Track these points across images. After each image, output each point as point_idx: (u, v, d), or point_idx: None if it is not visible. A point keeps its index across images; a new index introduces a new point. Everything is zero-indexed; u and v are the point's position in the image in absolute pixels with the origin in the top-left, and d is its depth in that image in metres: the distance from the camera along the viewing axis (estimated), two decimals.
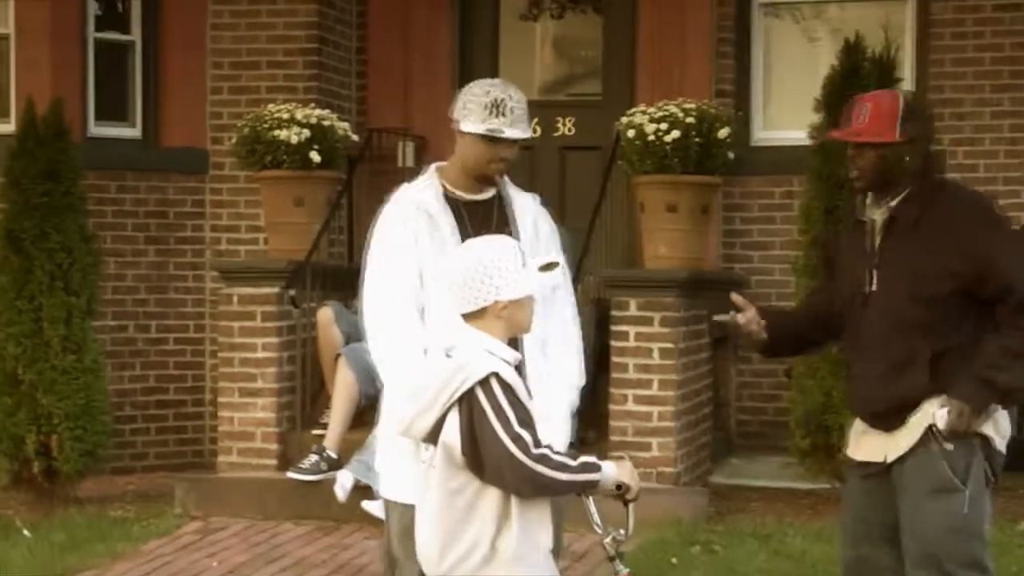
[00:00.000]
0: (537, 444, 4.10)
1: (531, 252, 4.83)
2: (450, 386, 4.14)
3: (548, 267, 4.31)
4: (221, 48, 10.81)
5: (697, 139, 9.36)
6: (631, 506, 4.27)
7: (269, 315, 9.33)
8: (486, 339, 4.20)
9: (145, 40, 10.86)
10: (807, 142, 9.61)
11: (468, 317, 4.23)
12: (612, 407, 8.82)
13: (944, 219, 4.95)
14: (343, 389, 9.15)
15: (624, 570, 4.33)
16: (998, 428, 5.02)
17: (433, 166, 5.18)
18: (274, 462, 9.29)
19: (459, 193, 5.08)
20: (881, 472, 5.09)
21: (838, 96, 8.87)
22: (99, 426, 9.44)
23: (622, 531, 4.30)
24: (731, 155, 9.60)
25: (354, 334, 9.41)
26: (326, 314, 9.50)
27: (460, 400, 4.13)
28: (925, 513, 4.95)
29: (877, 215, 5.08)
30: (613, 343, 8.89)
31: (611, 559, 4.33)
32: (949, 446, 4.90)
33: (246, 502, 9.02)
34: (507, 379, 4.13)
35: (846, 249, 5.26)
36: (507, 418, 4.09)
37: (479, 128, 4.94)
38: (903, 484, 5.02)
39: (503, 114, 4.94)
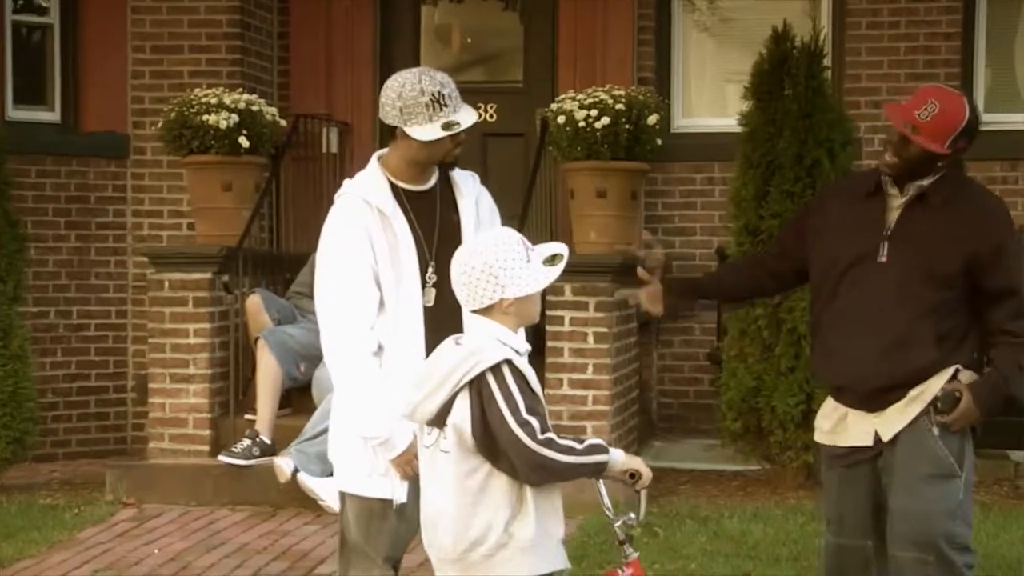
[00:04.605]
0: (544, 430, 4.15)
1: (475, 235, 4.98)
2: (459, 370, 4.18)
3: (553, 260, 4.32)
4: (142, 32, 10.70)
5: (627, 126, 9.46)
6: (643, 492, 4.34)
7: (201, 300, 9.27)
8: (497, 328, 4.25)
9: (64, 23, 10.71)
10: (726, 129, 9.81)
11: (478, 311, 4.29)
12: (547, 391, 8.88)
13: (969, 204, 5.07)
14: (266, 373, 9.13)
15: (634, 553, 4.41)
16: None
17: (375, 156, 5.16)
18: (206, 448, 9.25)
19: (403, 185, 5.09)
20: (868, 459, 5.17)
21: (767, 84, 9.07)
22: (26, 413, 9.35)
23: (632, 515, 4.37)
24: (659, 141, 9.72)
25: (284, 319, 9.42)
26: (254, 302, 9.44)
27: (470, 384, 4.17)
28: (922, 496, 5.03)
29: (898, 190, 5.12)
30: (548, 328, 8.96)
31: (621, 543, 4.41)
32: (941, 419, 5.01)
33: (179, 488, 8.98)
34: (519, 367, 4.19)
35: (849, 216, 5.20)
36: (516, 404, 4.14)
37: (436, 132, 4.92)
38: (896, 466, 5.08)
39: (446, 105, 4.94)
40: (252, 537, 8.25)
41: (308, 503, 8.57)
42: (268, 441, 8.97)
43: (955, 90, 5.26)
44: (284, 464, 8.56)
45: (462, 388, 4.18)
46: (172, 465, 9.19)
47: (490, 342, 4.21)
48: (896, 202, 5.12)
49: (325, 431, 8.47)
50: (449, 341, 4.34)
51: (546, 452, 4.12)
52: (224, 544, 8.11)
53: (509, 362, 4.17)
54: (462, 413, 4.19)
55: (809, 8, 10.70)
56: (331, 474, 8.40)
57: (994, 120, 10.53)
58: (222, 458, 8.94)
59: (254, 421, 9.09)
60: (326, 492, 8.43)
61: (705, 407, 10.44)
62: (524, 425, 4.12)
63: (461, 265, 4.27)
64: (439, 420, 4.26)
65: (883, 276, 5.07)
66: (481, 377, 4.16)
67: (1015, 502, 8.87)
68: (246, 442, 8.96)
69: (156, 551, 7.98)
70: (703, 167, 10.69)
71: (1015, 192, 10.37)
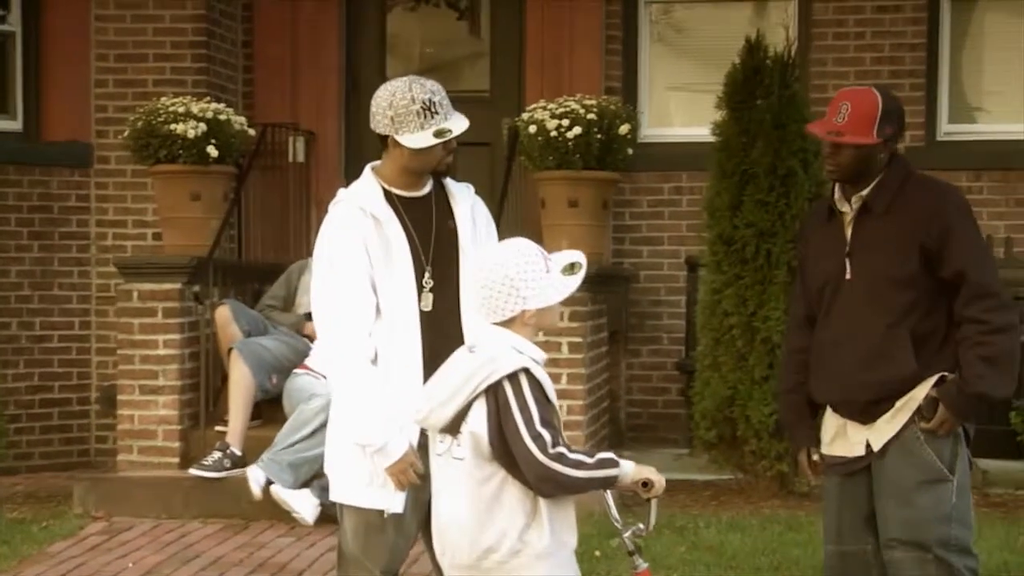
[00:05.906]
0: (556, 443, 4.14)
1: (471, 242, 5.01)
2: (475, 378, 4.17)
3: (571, 269, 4.31)
4: (106, 40, 10.59)
5: (598, 135, 9.46)
6: (653, 502, 4.32)
7: (171, 311, 9.17)
8: (514, 337, 4.24)
9: (26, 31, 10.61)
10: (694, 139, 9.82)
11: (499, 323, 4.26)
12: None
13: (915, 199, 5.08)
14: (239, 384, 9.05)
15: (643, 564, 4.38)
16: None
17: (368, 167, 5.16)
18: (176, 460, 9.14)
19: (397, 191, 5.08)
20: (864, 468, 5.18)
21: (740, 94, 9.06)
22: None
23: (641, 526, 4.36)
24: (630, 151, 9.71)
25: (255, 330, 9.33)
26: (223, 313, 9.33)
27: (487, 392, 4.16)
28: (915, 503, 5.06)
29: (848, 205, 5.18)
30: None
31: (630, 553, 4.39)
32: (924, 425, 5.03)
33: (149, 501, 8.87)
34: (536, 375, 4.17)
35: (819, 243, 5.31)
36: (530, 416, 4.13)
37: (427, 140, 4.93)
38: (887, 474, 5.11)
39: (437, 112, 4.95)
40: (227, 550, 8.16)
41: (280, 515, 8.49)
42: (239, 453, 8.88)
43: (865, 85, 5.45)
44: (255, 480, 8.47)
45: (479, 395, 4.17)
46: (141, 478, 9.08)
47: (506, 350, 4.20)
48: (848, 218, 5.19)
49: (299, 442, 8.48)
50: (463, 349, 4.33)
51: (556, 466, 4.12)
52: (198, 557, 8.01)
53: (527, 370, 4.16)
54: (479, 420, 4.18)
55: (778, 19, 10.70)
56: (304, 485, 8.41)
57: (958, 130, 10.67)
58: (193, 471, 8.83)
59: (224, 433, 9.00)
60: (300, 504, 8.37)
61: (674, 416, 10.45)
62: (536, 438, 4.12)
63: (481, 279, 4.25)
64: (453, 428, 4.25)
65: (852, 292, 5.14)
66: (498, 385, 4.15)
67: (987, 510, 8.88)
68: (217, 454, 8.87)
69: (131, 564, 7.88)
70: (671, 176, 10.71)
71: (980, 203, 10.40)
